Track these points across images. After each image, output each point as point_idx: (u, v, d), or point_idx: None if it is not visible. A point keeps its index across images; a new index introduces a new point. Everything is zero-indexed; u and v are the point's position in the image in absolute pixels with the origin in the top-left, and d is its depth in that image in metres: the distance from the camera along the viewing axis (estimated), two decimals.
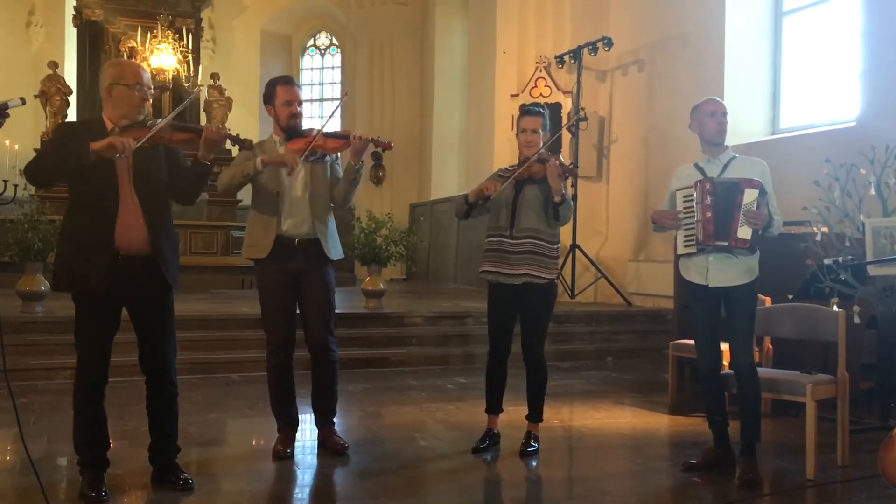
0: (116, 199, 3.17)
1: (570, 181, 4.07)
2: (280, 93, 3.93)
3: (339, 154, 4.09)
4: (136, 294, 3.27)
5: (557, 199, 3.89)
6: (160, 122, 3.20)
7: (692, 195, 3.74)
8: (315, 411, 4.10)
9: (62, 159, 3.10)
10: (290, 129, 3.94)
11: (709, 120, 3.81)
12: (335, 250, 4.01)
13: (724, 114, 3.83)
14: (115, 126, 3.18)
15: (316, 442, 4.31)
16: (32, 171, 3.18)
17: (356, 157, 3.91)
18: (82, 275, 3.14)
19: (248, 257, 3.99)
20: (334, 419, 4.12)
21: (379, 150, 3.99)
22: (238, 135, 3.48)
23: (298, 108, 3.96)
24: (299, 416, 4.07)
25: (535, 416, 4.16)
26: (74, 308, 3.24)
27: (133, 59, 12.19)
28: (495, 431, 4.19)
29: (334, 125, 13.36)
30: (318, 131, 3.88)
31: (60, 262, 3.24)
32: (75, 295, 3.22)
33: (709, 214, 3.67)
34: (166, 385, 3.39)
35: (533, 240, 3.98)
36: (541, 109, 4.16)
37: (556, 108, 9.19)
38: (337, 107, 3.70)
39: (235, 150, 3.86)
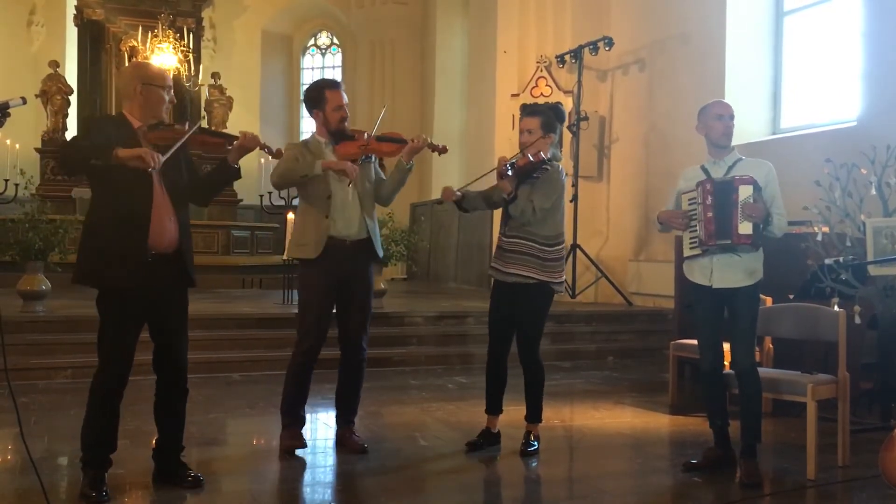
0: (150, 197, 3.21)
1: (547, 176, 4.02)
2: (330, 97, 3.99)
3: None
4: (161, 292, 3.30)
5: (504, 195, 3.97)
6: (191, 130, 3.26)
7: (696, 197, 3.75)
8: (338, 409, 4.14)
9: (86, 155, 3.10)
10: (340, 132, 3.99)
11: (716, 123, 3.81)
12: (380, 248, 4.13)
13: (732, 117, 3.82)
14: (143, 125, 3.24)
15: (315, 441, 4.32)
16: (62, 158, 3.33)
17: (408, 157, 4.01)
18: (114, 271, 3.16)
19: (295, 257, 4.01)
20: (354, 419, 4.16)
21: (435, 153, 4.09)
22: (264, 141, 3.54)
23: (347, 112, 4.03)
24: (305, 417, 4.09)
25: (533, 416, 4.16)
26: (99, 308, 3.25)
27: (134, 59, 12.24)
28: (494, 431, 4.19)
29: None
30: (370, 136, 3.95)
31: (88, 257, 3.23)
32: (102, 294, 3.24)
33: (710, 214, 3.68)
34: (180, 382, 3.42)
35: (522, 240, 3.99)
36: (537, 109, 4.12)
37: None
38: (379, 119, 3.79)
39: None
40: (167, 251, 3.26)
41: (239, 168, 3.47)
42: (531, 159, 3.93)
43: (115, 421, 3.28)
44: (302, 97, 4.18)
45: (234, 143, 3.41)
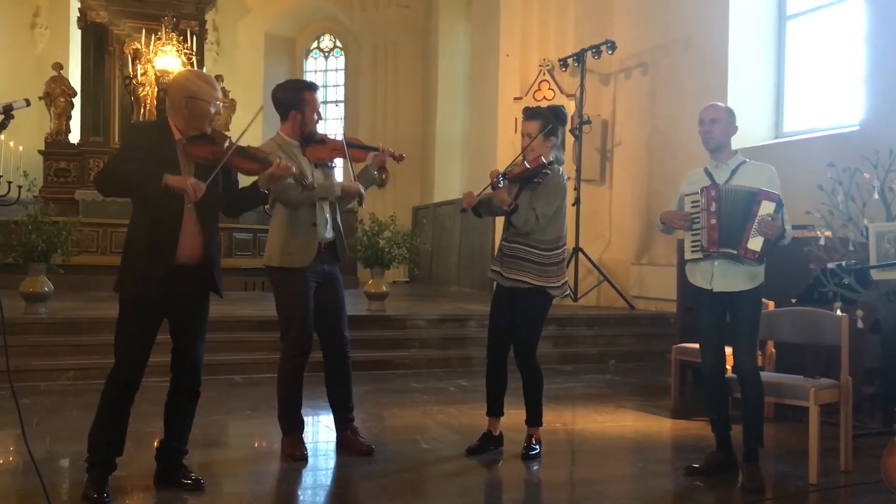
0: (181, 212, 3.23)
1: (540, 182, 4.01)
2: (311, 100, 3.98)
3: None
4: (184, 299, 3.34)
5: (504, 207, 3.95)
6: (231, 147, 3.29)
7: (699, 201, 3.75)
8: (335, 412, 4.14)
9: (131, 186, 3.17)
10: (311, 134, 4.00)
11: (698, 128, 3.84)
12: (345, 249, 4.14)
13: (713, 121, 3.79)
14: (183, 138, 3.25)
15: (315, 445, 4.32)
16: (104, 187, 3.24)
17: (376, 167, 4.07)
18: (144, 281, 3.21)
19: (284, 266, 3.92)
20: (352, 416, 4.16)
21: (394, 160, 4.14)
22: (300, 172, 3.58)
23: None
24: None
25: (533, 419, 4.15)
26: (121, 308, 3.29)
27: (135, 62, 12.26)
28: (495, 435, 4.18)
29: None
30: (342, 141, 3.97)
31: (128, 267, 3.28)
32: (127, 298, 3.26)
33: (713, 221, 3.67)
34: (194, 384, 3.45)
35: (520, 245, 3.99)
36: (537, 112, 4.10)
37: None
38: (254, 118, 3.65)
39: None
40: (189, 262, 3.29)
41: (267, 193, 3.50)
42: (527, 166, 3.92)
43: (124, 423, 3.30)
44: (275, 96, 4.05)
45: (267, 170, 3.39)
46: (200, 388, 3.50)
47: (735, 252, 3.64)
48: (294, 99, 3.97)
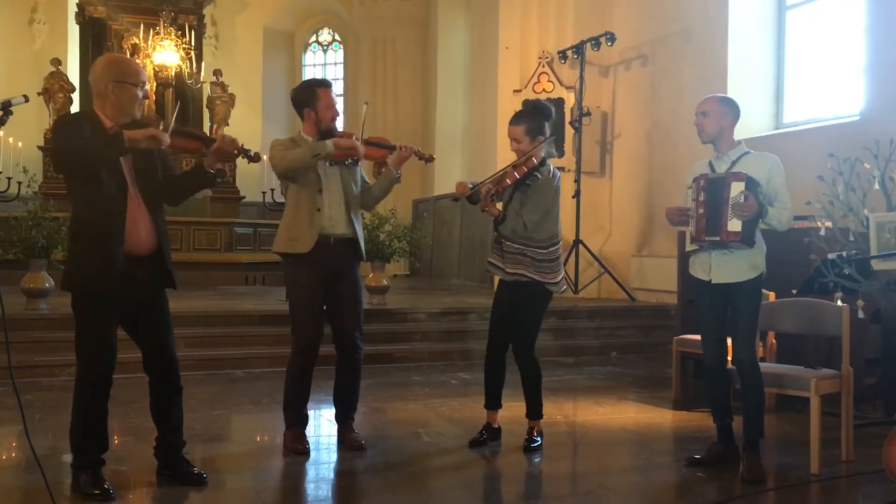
0: (125, 198, 3.17)
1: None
2: (322, 96, 3.99)
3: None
4: (143, 293, 3.28)
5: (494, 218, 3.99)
6: (171, 127, 3.21)
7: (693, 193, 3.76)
8: (337, 406, 4.14)
9: (94, 151, 3.05)
10: (329, 131, 3.99)
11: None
12: (363, 248, 4.15)
13: (703, 114, 3.79)
14: (114, 125, 3.15)
15: (318, 438, 4.33)
16: (63, 159, 3.14)
17: (397, 166, 4.05)
18: (98, 275, 3.13)
19: (288, 252, 3.94)
20: (353, 415, 4.16)
21: (421, 161, 4.16)
22: (243, 145, 3.44)
23: (337, 111, 4.07)
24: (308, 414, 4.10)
25: (533, 413, 4.15)
26: (76, 310, 3.22)
27: (133, 56, 12.22)
28: (495, 427, 4.19)
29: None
30: (360, 139, 3.98)
31: (76, 262, 3.20)
32: (77, 297, 3.20)
33: (702, 211, 3.69)
34: (173, 379, 3.41)
35: (516, 244, 3.98)
36: (518, 114, 4.07)
37: (559, 103, 9.16)
38: (364, 118, 3.82)
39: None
40: (144, 253, 3.23)
41: (214, 174, 3.37)
42: (517, 176, 3.90)
43: (105, 421, 3.27)
44: (291, 96, 4.13)
45: (212, 146, 3.32)
46: (181, 381, 3.43)
47: (718, 238, 3.65)
48: (306, 96, 4.00)
